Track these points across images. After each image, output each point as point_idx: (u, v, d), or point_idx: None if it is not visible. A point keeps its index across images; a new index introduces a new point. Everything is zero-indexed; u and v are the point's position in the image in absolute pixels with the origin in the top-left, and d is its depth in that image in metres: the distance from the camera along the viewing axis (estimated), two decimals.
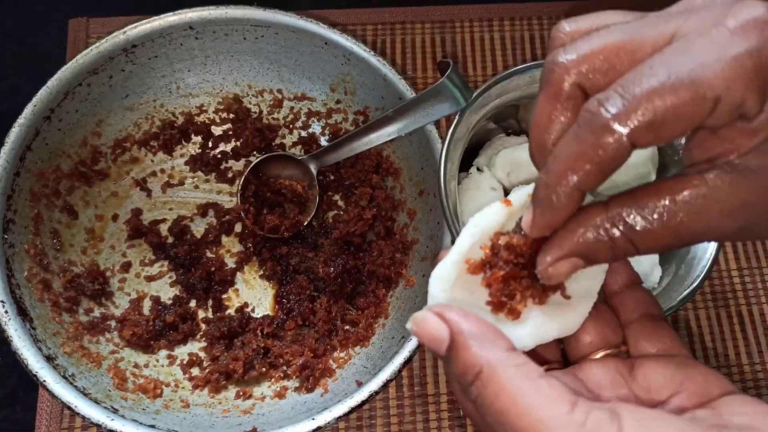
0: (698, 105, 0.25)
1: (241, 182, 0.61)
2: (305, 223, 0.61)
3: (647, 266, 0.53)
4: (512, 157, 0.55)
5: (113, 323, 0.56)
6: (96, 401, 0.47)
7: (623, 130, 0.25)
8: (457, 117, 0.52)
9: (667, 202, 0.27)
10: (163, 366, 0.56)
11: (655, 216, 0.27)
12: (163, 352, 0.57)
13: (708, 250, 0.50)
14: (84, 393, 0.48)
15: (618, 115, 0.25)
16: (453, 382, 0.31)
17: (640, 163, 0.53)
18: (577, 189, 0.27)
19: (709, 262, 0.50)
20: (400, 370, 0.49)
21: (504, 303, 0.31)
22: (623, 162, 0.26)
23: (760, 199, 0.27)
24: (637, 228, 0.27)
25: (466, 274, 0.31)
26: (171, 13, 0.57)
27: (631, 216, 0.27)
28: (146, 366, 0.55)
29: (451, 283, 0.31)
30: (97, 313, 0.56)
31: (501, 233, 0.31)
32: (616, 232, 0.28)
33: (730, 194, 0.27)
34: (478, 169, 0.57)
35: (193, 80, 0.62)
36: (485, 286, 0.31)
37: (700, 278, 0.49)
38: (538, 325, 0.31)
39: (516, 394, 0.26)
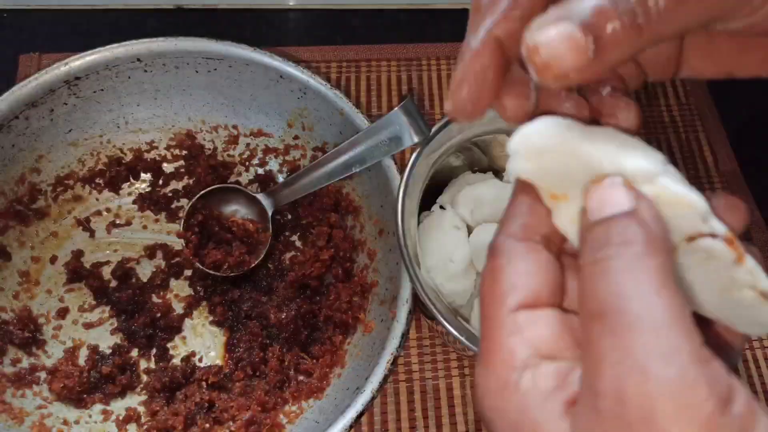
0: None
1: (187, 208, 0.57)
2: (252, 266, 0.57)
3: None
4: (475, 193, 0.52)
5: (43, 375, 0.52)
6: None
7: None
8: (416, 152, 0.49)
9: None
10: (96, 422, 0.51)
11: None
12: (98, 407, 0.52)
13: None
14: None
15: None
16: None
17: None
18: (491, 34, 0.23)
19: None
20: (351, 426, 0.44)
21: None
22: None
23: None
24: None
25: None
26: (117, 45, 0.54)
27: None
28: (77, 422, 0.50)
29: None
30: (25, 363, 0.52)
31: None
32: None
33: None
34: (441, 207, 0.54)
35: (142, 115, 0.59)
36: None
37: None
38: None
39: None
